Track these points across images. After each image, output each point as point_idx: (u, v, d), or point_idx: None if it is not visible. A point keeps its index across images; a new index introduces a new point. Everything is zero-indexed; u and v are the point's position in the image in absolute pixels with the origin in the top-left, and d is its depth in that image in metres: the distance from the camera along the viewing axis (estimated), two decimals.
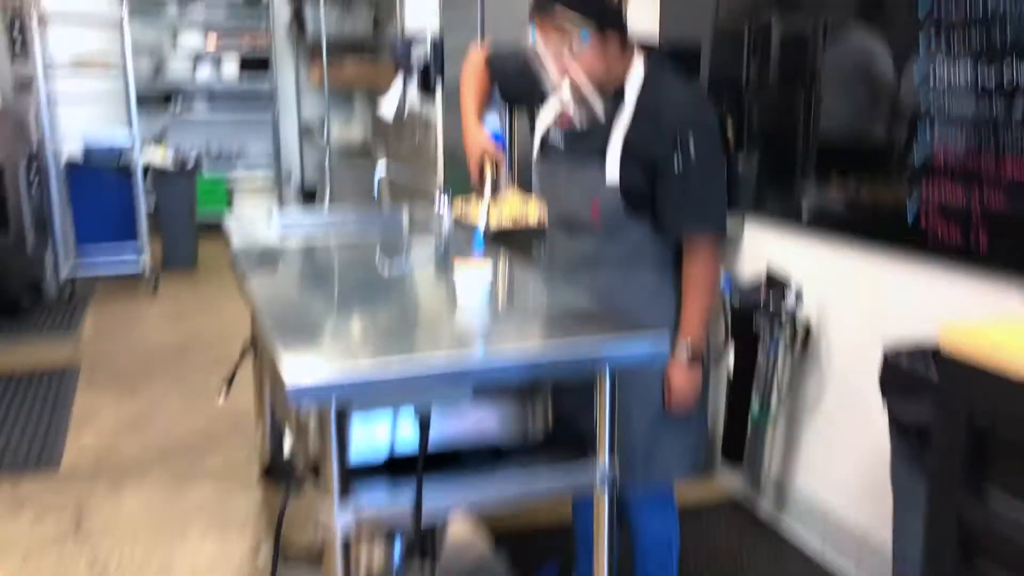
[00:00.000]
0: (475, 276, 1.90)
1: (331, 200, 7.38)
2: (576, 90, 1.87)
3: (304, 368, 1.42)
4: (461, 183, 5.18)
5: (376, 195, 3.08)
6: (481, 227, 2.12)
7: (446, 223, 3.00)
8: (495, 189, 2.11)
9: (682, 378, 1.97)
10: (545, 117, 2.07)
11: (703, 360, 2.01)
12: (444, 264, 2.42)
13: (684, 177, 1.87)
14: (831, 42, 2.70)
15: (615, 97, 1.92)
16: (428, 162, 6.62)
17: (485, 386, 1.61)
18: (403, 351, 1.56)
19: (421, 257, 2.58)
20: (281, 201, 8.21)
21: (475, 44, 2.31)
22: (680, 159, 1.85)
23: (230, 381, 2.53)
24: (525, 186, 3.77)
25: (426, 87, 6.49)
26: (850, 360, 2.71)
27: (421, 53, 6.56)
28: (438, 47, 5.18)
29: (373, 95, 7.72)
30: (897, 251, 2.47)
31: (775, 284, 2.90)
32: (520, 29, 3.99)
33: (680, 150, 1.85)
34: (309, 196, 8.22)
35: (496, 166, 2.11)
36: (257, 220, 3.00)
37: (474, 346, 1.67)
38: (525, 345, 1.62)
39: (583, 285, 2.05)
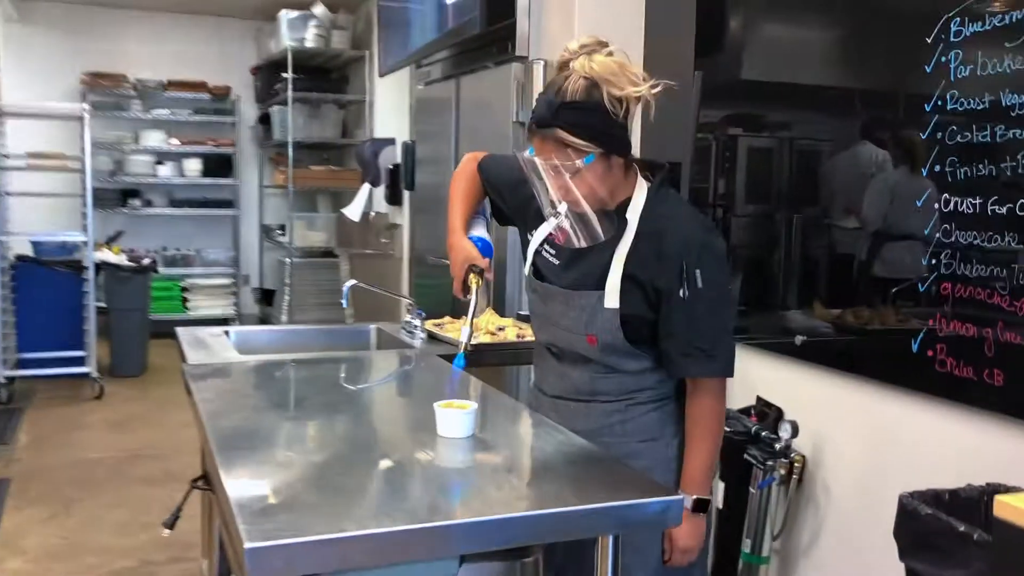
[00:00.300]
0: (459, 418, 1.71)
1: (290, 304, 7.16)
2: (575, 212, 1.72)
3: (265, 533, 1.21)
4: (429, 290, 5.04)
5: (345, 303, 2.89)
6: (463, 345, 1.92)
7: (418, 340, 2.81)
8: (479, 303, 1.94)
9: (686, 531, 1.77)
10: (539, 234, 1.92)
11: (707, 510, 1.81)
12: (419, 394, 2.22)
13: (690, 309, 1.72)
14: (824, 161, 2.61)
15: (615, 216, 1.77)
16: (394, 268, 6.46)
17: (474, 555, 1.39)
18: (380, 513, 1.35)
19: (394, 384, 2.38)
20: (238, 305, 7.97)
21: (469, 153, 2.16)
22: (687, 289, 1.70)
23: (176, 515, 2.27)
24: (497, 300, 3.61)
25: (394, 192, 6.40)
26: (850, 500, 2.53)
27: (389, 158, 6.50)
28: (410, 152, 5.09)
29: (338, 198, 7.63)
30: (900, 383, 2.33)
31: (766, 415, 2.73)
32: (494, 139, 3.94)
33: (687, 279, 1.70)
34: (267, 299, 7.99)
35: (482, 278, 1.95)
36: (214, 336, 2.78)
37: (462, 510, 1.46)
38: (523, 509, 1.41)
39: (576, 421, 1.86)
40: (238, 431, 1.78)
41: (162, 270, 7.42)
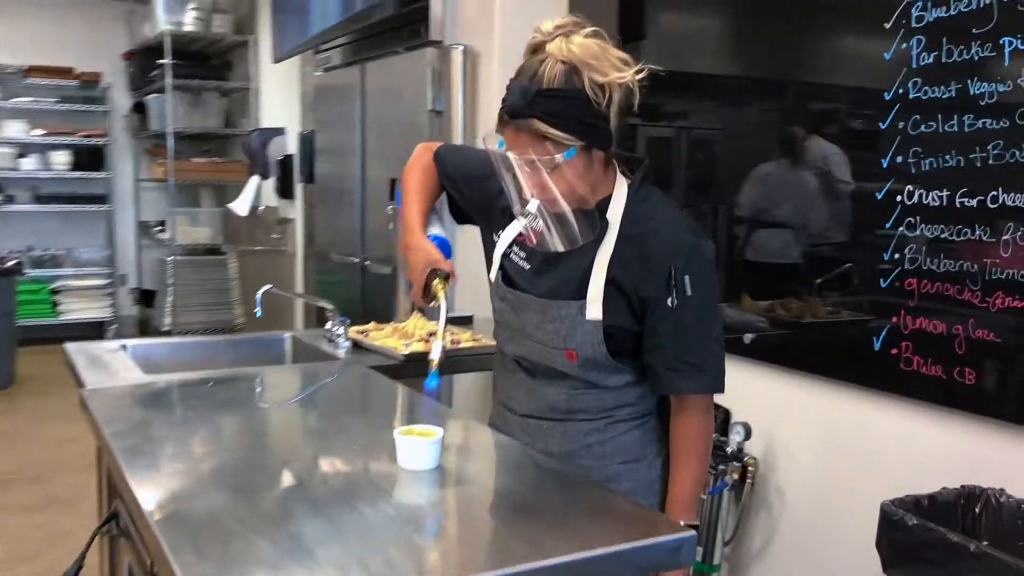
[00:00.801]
0: (423, 448, 1.51)
1: (174, 305, 6.71)
2: (553, 212, 1.53)
3: None
4: (333, 289, 4.76)
5: (259, 311, 2.62)
6: (434, 362, 1.72)
7: (343, 350, 2.58)
8: (444, 310, 1.73)
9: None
10: (508, 235, 1.72)
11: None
12: (364, 416, 2.00)
13: (678, 319, 1.56)
14: (771, 148, 2.52)
15: (594, 217, 1.59)
16: (287, 265, 6.13)
17: None
18: (342, 569, 1.14)
19: (334, 405, 2.14)
20: (115, 307, 7.43)
21: (424, 143, 1.94)
22: (675, 297, 1.54)
23: (80, 563, 1.97)
24: None
25: (285, 185, 6.06)
26: (805, 504, 2.45)
27: (279, 149, 6.15)
28: (308, 143, 4.79)
29: (223, 192, 7.20)
30: (861, 382, 2.25)
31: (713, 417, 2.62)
32: (407, 128, 3.72)
33: (675, 287, 1.54)
34: (147, 300, 7.49)
35: (447, 282, 1.73)
36: (110, 352, 2.47)
37: (444, 566, 1.25)
38: (519, 560, 1.21)
39: (549, 443, 1.69)
40: (163, 472, 1.53)
41: (29, 272, 6.84)
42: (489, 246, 1.77)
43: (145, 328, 7.53)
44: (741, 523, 2.58)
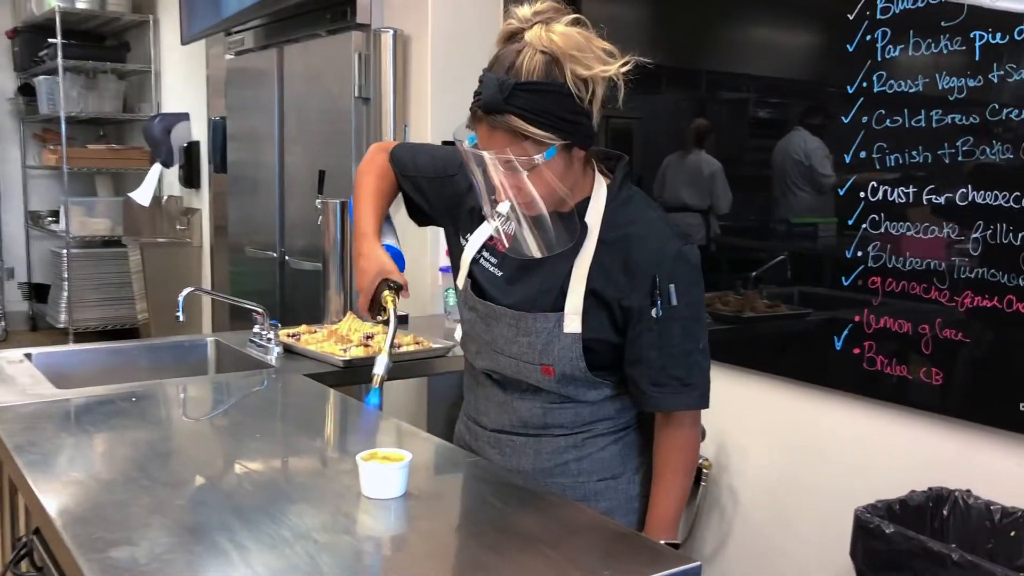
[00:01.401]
0: (390, 475, 1.36)
1: (69, 300, 6.31)
2: (530, 216, 1.40)
3: None
4: (247, 284, 4.51)
5: (180, 315, 2.41)
6: (378, 378, 1.56)
7: (274, 356, 2.39)
8: (394, 324, 1.60)
9: None
10: (477, 239, 1.59)
11: None
12: (313, 434, 1.83)
13: (663, 331, 1.45)
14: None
15: (573, 220, 1.45)
16: (192, 257, 5.82)
17: None
18: None
19: (279, 423, 1.97)
20: (2, 302, 6.95)
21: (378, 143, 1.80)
22: (659, 308, 1.44)
23: None
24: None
25: (189, 173, 5.76)
26: (759, 505, 2.39)
27: (182, 136, 5.83)
28: (219, 130, 4.52)
29: (121, 180, 6.81)
30: (819, 382, 2.20)
31: None
32: (332, 115, 3.52)
33: (660, 296, 1.43)
34: (39, 295, 7.03)
35: (399, 295, 1.60)
36: (12, 363, 2.23)
37: None
38: None
39: (522, 459, 1.57)
40: (89, 508, 1.34)
41: None
42: (455, 250, 1.63)
43: (37, 324, 7.08)
44: (694, 526, 2.52)
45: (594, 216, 1.47)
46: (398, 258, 1.66)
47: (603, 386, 1.53)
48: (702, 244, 2.45)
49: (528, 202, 1.38)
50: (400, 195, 1.76)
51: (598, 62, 1.36)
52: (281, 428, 1.88)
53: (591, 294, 1.46)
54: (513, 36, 1.39)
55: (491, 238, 1.55)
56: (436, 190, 1.66)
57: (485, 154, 1.36)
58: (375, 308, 1.61)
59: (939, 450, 1.97)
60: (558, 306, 1.47)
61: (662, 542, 1.49)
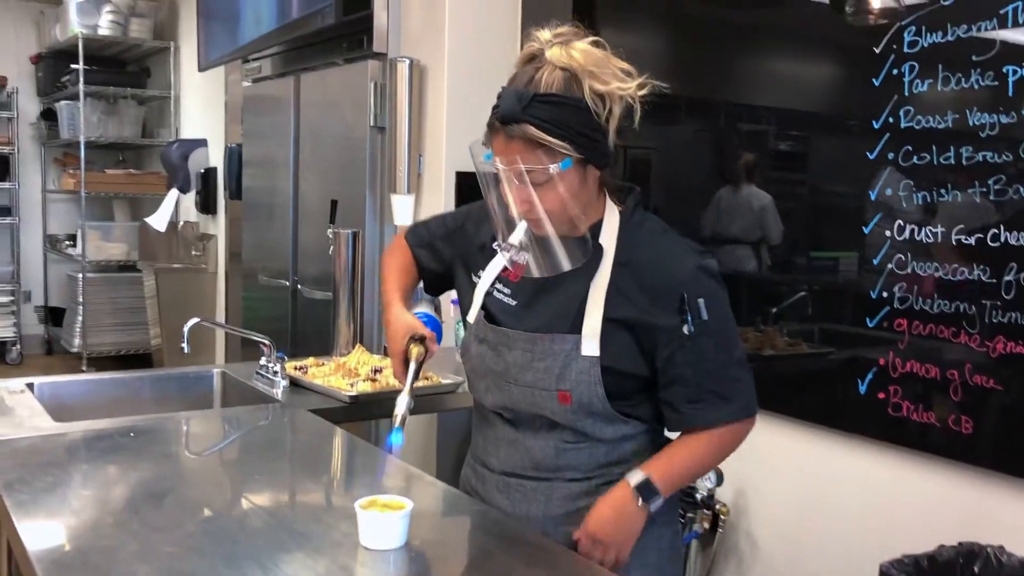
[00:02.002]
0: (390, 524, 1.30)
1: (84, 325, 6.30)
2: (536, 233, 1.37)
3: None
4: (260, 313, 4.47)
5: (185, 347, 2.35)
6: (399, 418, 1.50)
7: (280, 390, 2.33)
8: (415, 368, 1.55)
9: (604, 514, 1.42)
10: (490, 271, 1.55)
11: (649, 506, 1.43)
12: (315, 475, 1.77)
13: (697, 347, 1.40)
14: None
15: (586, 242, 1.42)
16: (208, 284, 5.80)
17: None
18: None
19: (284, 463, 1.90)
20: (18, 325, 6.95)
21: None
22: (691, 324, 1.38)
23: None
24: (366, 333, 3.16)
25: (206, 199, 5.75)
26: (778, 552, 2.30)
27: (200, 162, 5.83)
28: (235, 157, 4.50)
29: (138, 205, 6.82)
30: (843, 427, 2.12)
31: None
32: (348, 143, 3.49)
33: (689, 312, 1.38)
34: (55, 318, 7.03)
35: (425, 349, 1.55)
36: (13, 393, 2.18)
37: None
38: None
39: (532, 505, 1.50)
40: (75, 554, 1.29)
41: None
42: (467, 288, 1.58)
43: (52, 348, 7.07)
44: (711, 572, 2.42)
45: (608, 238, 1.45)
46: (434, 325, 1.63)
47: (619, 422, 1.46)
48: (754, 274, 2.38)
49: (535, 219, 1.36)
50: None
51: (616, 79, 1.35)
52: (281, 468, 1.82)
53: (610, 320, 1.41)
54: (533, 58, 1.39)
55: (505, 269, 1.50)
56: (448, 243, 1.65)
57: (498, 164, 1.33)
58: (405, 365, 1.56)
59: (969, 502, 1.88)
60: (575, 329, 1.43)
61: (645, 475, 1.40)
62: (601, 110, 1.34)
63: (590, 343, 1.42)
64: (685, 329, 1.38)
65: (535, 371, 1.45)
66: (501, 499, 1.53)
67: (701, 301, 1.39)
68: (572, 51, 1.34)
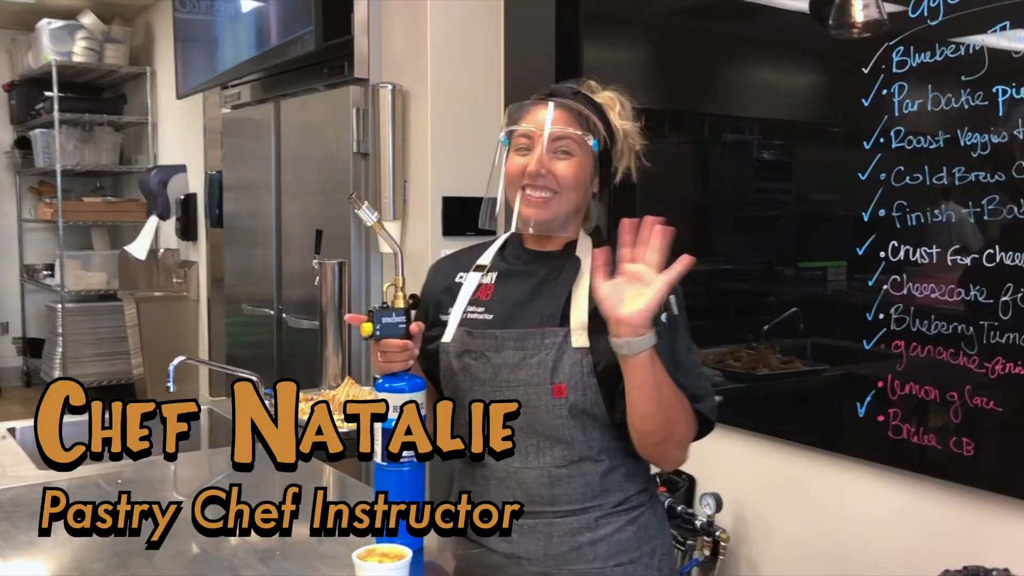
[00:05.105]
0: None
1: (64, 356, 6.20)
2: (543, 194, 1.45)
3: None
4: (242, 341, 4.41)
5: (171, 386, 2.30)
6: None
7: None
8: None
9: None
10: (463, 295, 1.55)
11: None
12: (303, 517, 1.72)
13: (671, 340, 1.41)
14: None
15: (557, 259, 1.52)
16: (189, 311, 5.73)
17: None
18: None
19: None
20: None
21: None
22: (666, 316, 1.40)
23: None
24: (355, 363, 3.12)
25: (186, 226, 5.68)
26: None
27: (179, 188, 5.77)
28: (216, 184, 4.45)
29: (117, 233, 6.74)
30: (842, 451, 2.10)
31: (677, 484, 2.44)
32: (329, 168, 3.44)
33: (664, 306, 1.37)
34: (33, 350, 6.93)
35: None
36: None
37: None
38: None
39: (528, 544, 1.47)
40: None
41: None
42: (438, 327, 1.56)
43: (31, 380, 6.97)
44: None
45: (583, 253, 1.50)
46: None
47: (611, 436, 1.46)
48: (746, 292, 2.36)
49: (555, 174, 1.44)
50: None
51: (629, 120, 1.54)
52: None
53: (595, 316, 1.40)
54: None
55: (481, 286, 1.54)
56: (428, 321, 1.58)
57: (550, 108, 1.45)
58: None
59: (973, 525, 1.86)
60: (563, 324, 1.46)
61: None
62: (613, 142, 1.51)
63: (579, 335, 1.44)
64: (663, 317, 1.38)
65: (528, 368, 1.45)
66: (498, 540, 1.49)
67: (672, 297, 1.40)
68: (604, 90, 1.55)
